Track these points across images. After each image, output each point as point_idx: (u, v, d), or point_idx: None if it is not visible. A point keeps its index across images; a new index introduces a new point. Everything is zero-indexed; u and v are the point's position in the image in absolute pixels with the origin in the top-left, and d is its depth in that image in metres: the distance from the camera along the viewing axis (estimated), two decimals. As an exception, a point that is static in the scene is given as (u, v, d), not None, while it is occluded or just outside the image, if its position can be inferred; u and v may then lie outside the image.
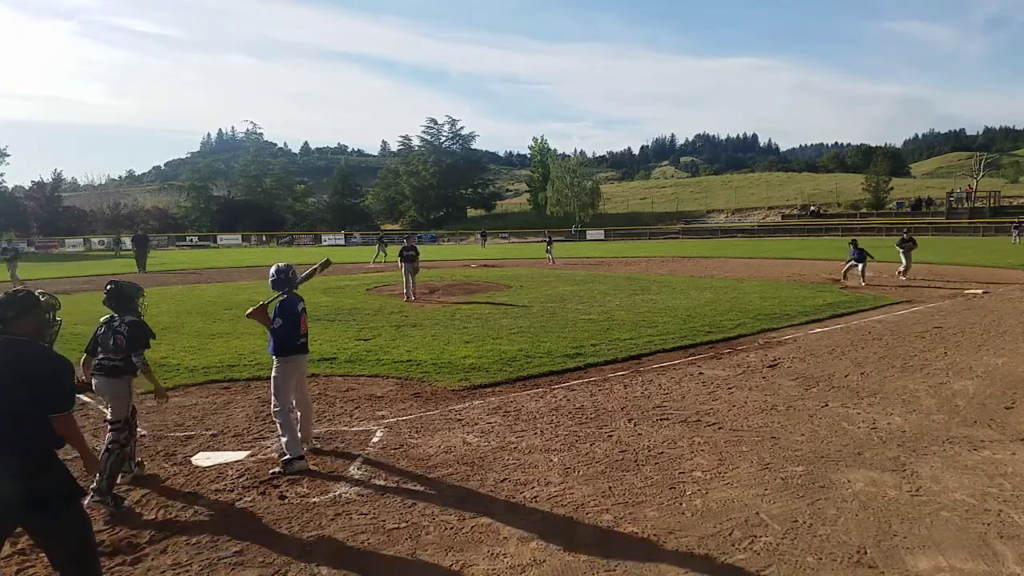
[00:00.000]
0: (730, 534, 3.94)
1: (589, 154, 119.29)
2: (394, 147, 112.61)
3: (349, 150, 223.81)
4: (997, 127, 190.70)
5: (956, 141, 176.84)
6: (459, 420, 6.30)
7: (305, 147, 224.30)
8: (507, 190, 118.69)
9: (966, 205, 55.68)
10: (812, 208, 63.82)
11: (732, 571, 3.56)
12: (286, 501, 4.54)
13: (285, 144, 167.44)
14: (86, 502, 4.18)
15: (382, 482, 4.86)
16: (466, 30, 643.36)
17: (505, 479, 4.86)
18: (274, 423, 5.34)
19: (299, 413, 5.47)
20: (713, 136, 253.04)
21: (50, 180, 70.04)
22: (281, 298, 5.30)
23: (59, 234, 61.66)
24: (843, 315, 12.31)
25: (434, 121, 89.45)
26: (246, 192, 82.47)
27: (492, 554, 3.78)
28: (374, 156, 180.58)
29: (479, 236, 53.24)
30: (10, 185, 68.36)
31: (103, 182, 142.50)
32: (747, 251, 35.74)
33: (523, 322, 11.92)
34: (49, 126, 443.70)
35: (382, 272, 24.98)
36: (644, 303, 14.33)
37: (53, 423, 2.90)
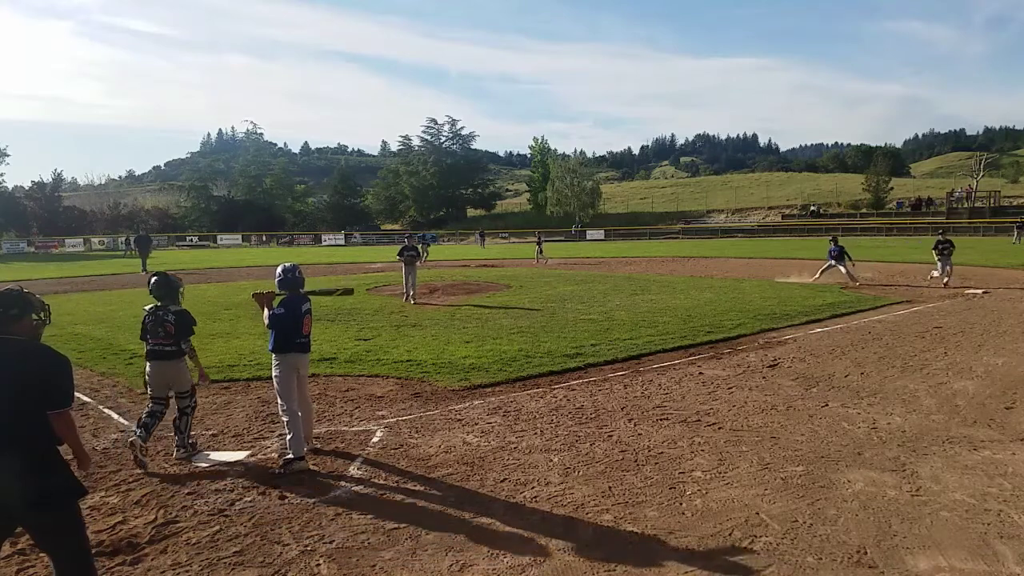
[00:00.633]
0: (730, 534, 3.94)
1: (589, 154, 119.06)
2: (394, 147, 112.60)
3: (349, 150, 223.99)
4: (997, 127, 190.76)
5: (956, 141, 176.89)
6: (459, 420, 6.30)
7: (305, 147, 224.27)
8: (507, 190, 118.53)
9: (966, 205, 55.69)
10: (812, 208, 63.81)
11: (732, 571, 3.56)
12: (286, 501, 4.54)
13: (285, 144, 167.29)
14: (175, 456, 5.38)
15: (382, 482, 4.86)
16: (466, 30, 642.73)
17: (505, 479, 4.86)
18: (277, 422, 5.36)
19: (300, 413, 5.47)
20: (713, 136, 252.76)
21: (50, 180, 70.14)
22: (283, 296, 5.39)
23: (59, 234, 61.71)
24: (843, 315, 12.30)
25: (434, 121, 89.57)
26: (246, 192, 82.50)
27: (492, 554, 3.78)
28: (374, 156, 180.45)
29: (478, 236, 53.24)
30: (10, 185, 68.48)
31: (103, 182, 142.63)
32: (747, 251, 35.73)
33: (523, 322, 11.92)
34: (49, 126, 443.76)
35: (382, 272, 25.00)
36: (644, 303, 14.33)
37: (52, 420, 2.91)
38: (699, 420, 6.17)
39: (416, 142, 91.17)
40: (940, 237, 17.25)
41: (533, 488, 4.69)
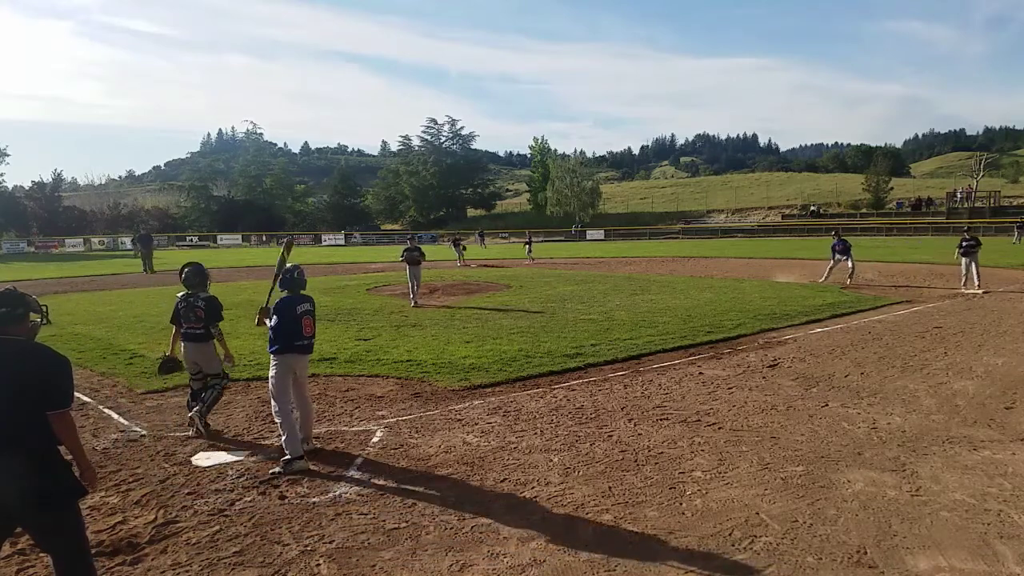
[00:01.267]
0: (730, 534, 3.94)
1: (589, 154, 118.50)
2: (394, 147, 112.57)
3: (349, 150, 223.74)
4: (997, 127, 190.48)
5: (956, 141, 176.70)
6: (459, 420, 6.30)
7: (305, 147, 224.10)
8: (507, 190, 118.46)
9: (966, 205, 55.68)
10: (812, 208, 63.77)
11: (732, 571, 3.56)
12: (286, 501, 4.54)
13: (285, 144, 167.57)
14: (189, 416, 5.94)
15: (382, 482, 4.86)
16: (466, 30, 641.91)
17: (505, 479, 4.86)
18: (274, 423, 5.35)
19: (299, 413, 5.48)
20: (713, 136, 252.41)
21: (50, 180, 70.03)
22: (282, 295, 5.39)
23: (59, 234, 61.66)
24: (843, 315, 12.31)
25: (434, 121, 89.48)
26: (246, 192, 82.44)
27: (492, 554, 3.78)
28: (374, 156, 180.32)
29: (477, 236, 53.21)
30: (10, 185, 68.43)
31: (103, 182, 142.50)
32: (747, 251, 35.73)
33: (523, 322, 11.92)
34: (49, 126, 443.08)
35: (382, 272, 24.99)
36: (644, 303, 14.33)
37: (52, 421, 2.90)
38: (699, 420, 6.17)
39: (416, 142, 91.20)
40: (965, 235, 16.37)
41: (533, 488, 4.69)
